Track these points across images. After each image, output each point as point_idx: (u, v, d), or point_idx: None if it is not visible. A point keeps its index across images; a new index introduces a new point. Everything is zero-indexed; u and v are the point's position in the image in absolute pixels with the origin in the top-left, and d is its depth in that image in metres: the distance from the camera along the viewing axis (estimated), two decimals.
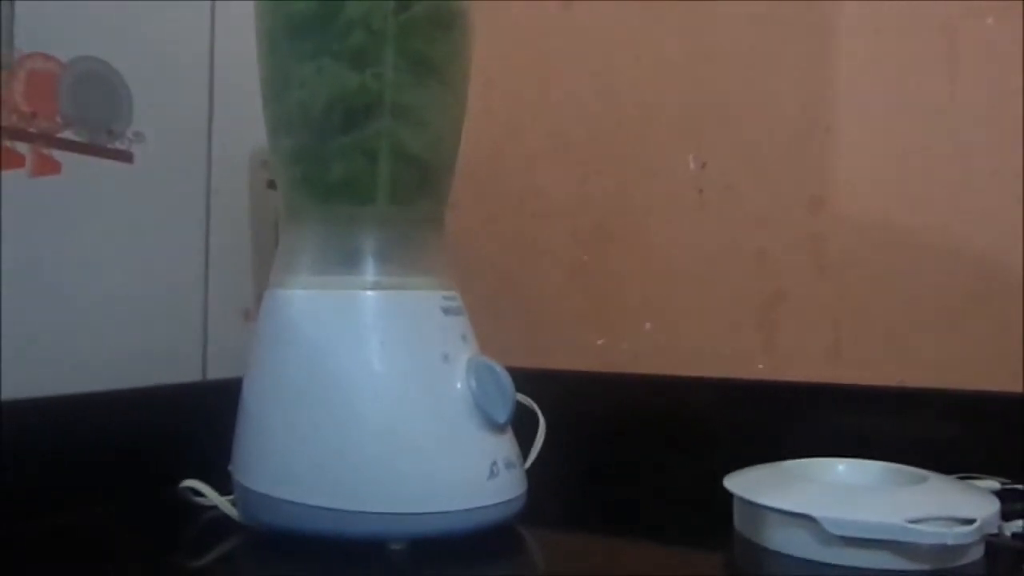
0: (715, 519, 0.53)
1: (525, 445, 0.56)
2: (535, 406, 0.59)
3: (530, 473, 0.53)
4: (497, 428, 0.50)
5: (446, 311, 0.52)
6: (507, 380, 0.50)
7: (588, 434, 0.71)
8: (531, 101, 0.82)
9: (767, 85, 0.73)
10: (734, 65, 0.74)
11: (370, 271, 0.51)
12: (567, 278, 0.80)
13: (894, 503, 0.46)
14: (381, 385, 0.49)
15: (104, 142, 0.59)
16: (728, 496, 0.51)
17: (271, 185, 0.69)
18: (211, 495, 0.53)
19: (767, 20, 0.73)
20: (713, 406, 0.71)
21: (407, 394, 0.49)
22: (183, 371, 0.64)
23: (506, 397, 0.50)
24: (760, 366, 0.72)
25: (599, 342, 0.78)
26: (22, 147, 0.53)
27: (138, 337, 0.61)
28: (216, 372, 0.66)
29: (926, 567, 0.44)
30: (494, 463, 0.49)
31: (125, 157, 0.60)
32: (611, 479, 0.68)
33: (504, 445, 0.51)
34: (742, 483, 0.51)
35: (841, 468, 0.54)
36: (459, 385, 0.49)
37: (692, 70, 0.76)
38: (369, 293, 0.50)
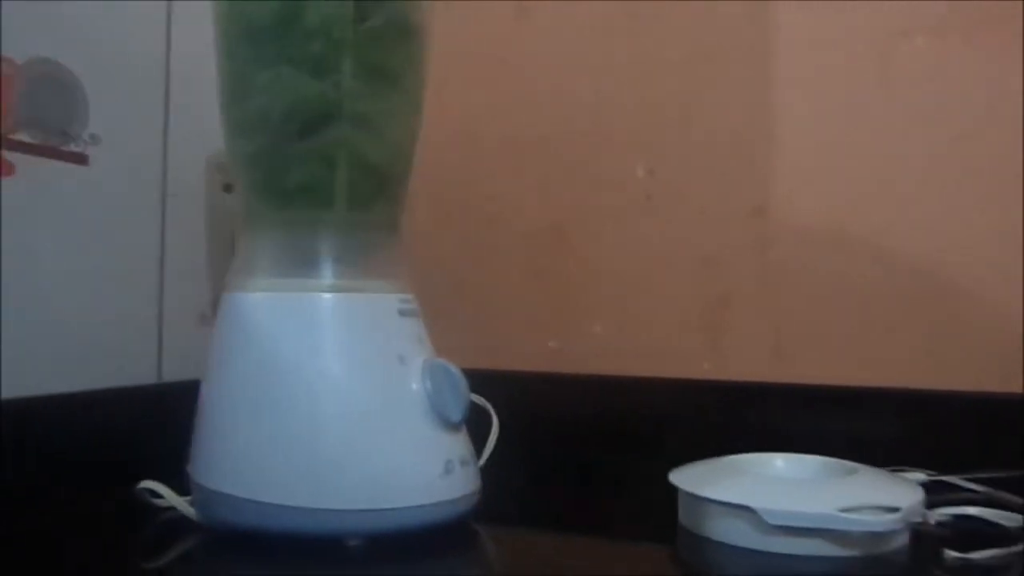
0: (662, 513, 0.55)
1: (479, 444, 0.58)
2: (489, 406, 0.61)
3: (484, 471, 0.55)
4: (452, 427, 0.51)
5: (402, 313, 0.53)
6: (461, 380, 0.51)
7: (541, 433, 0.73)
8: (487, 107, 0.84)
9: (713, 97, 0.76)
10: (682, 77, 0.77)
11: (328, 274, 0.52)
12: (520, 281, 0.82)
13: (827, 494, 0.49)
14: (339, 385, 0.50)
15: (59, 144, 0.59)
16: (674, 490, 0.54)
17: (226, 188, 0.70)
18: (168, 495, 0.53)
19: (713, 35, 0.76)
20: (661, 405, 0.74)
21: (364, 394, 0.50)
22: (138, 373, 0.65)
23: (460, 397, 0.51)
24: (706, 366, 0.75)
25: (551, 343, 0.80)
26: None
27: (93, 339, 0.61)
28: (171, 374, 0.66)
29: (856, 552, 0.47)
30: (449, 461, 0.50)
31: (80, 159, 0.60)
32: (563, 477, 0.70)
33: (458, 443, 0.52)
34: (686, 477, 0.53)
35: (779, 462, 0.57)
36: (415, 385, 0.51)
37: (641, 80, 0.78)
38: (327, 296, 0.51)
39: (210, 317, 0.68)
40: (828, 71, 0.72)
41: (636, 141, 0.78)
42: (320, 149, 0.52)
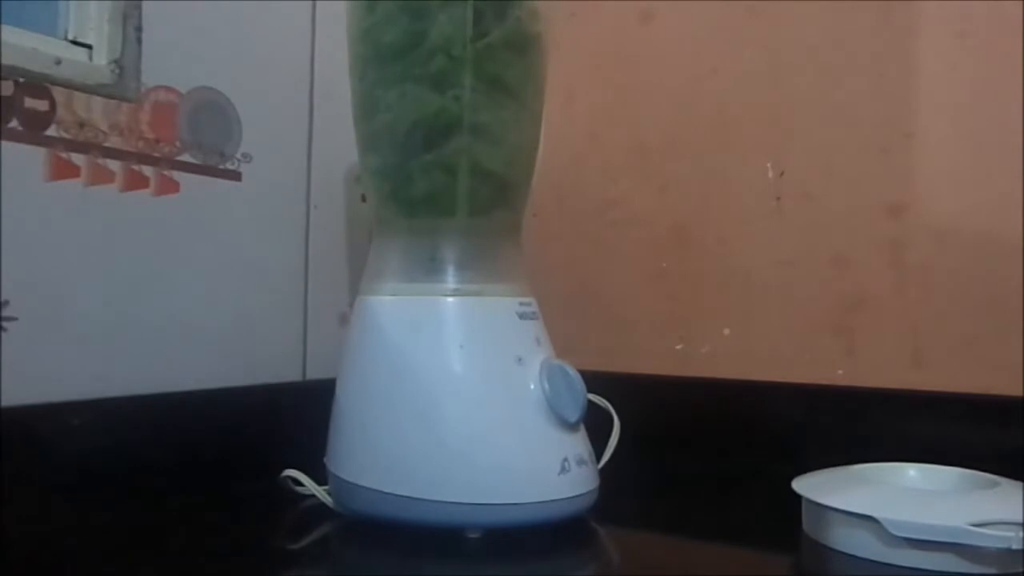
0: (787, 522, 0.54)
1: (600, 445, 0.59)
2: (610, 407, 0.61)
3: (604, 472, 0.56)
4: (569, 427, 0.53)
5: (521, 316, 0.55)
6: (578, 381, 0.53)
7: (664, 436, 0.73)
8: (611, 112, 0.84)
9: (845, 93, 0.73)
10: (811, 74, 0.75)
11: (451, 279, 0.55)
12: (646, 283, 0.82)
13: (960, 507, 0.47)
14: (461, 385, 0.53)
15: (216, 163, 0.65)
16: (799, 499, 0.52)
17: (364, 199, 0.75)
18: (309, 484, 0.58)
19: (844, 30, 0.73)
20: (791, 411, 0.72)
21: (484, 394, 0.53)
22: (285, 371, 0.70)
23: (577, 397, 0.52)
24: (839, 372, 0.72)
25: (678, 347, 0.80)
26: (148, 170, 0.60)
27: (244, 339, 0.67)
28: (315, 372, 0.72)
29: (991, 571, 0.44)
30: (565, 459, 0.52)
31: (234, 176, 0.66)
32: (685, 481, 0.70)
33: (576, 443, 0.53)
34: (811, 485, 0.52)
35: (912, 472, 0.54)
36: (532, 386, 0.53)
37: (769, 80, 0.77)
38: (450, 299, 0.54)
39: (350, 318, 0.74)
40: (968, 63, 0.68)
41: (764, 142, 0.77)
42: (442, 160, 0.54)
